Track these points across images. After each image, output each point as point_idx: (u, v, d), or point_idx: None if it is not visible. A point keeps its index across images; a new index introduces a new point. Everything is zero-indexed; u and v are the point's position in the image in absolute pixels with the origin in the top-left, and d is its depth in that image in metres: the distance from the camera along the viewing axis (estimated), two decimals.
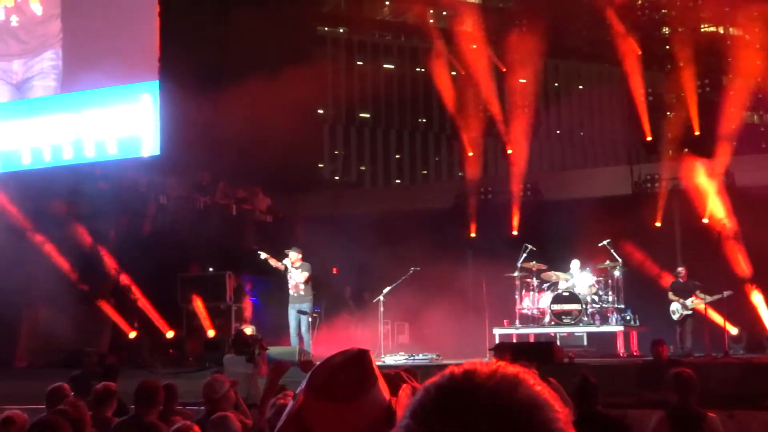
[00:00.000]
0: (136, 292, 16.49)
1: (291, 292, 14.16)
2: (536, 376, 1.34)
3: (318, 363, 2.09)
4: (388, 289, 14.82)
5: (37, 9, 15.86)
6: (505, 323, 15.50)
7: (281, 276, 14.55)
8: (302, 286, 14.07)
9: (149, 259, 16.47)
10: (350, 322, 17.22)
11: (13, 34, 16.04)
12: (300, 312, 14.04)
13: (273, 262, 14.27)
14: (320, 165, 43.45)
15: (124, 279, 16.71)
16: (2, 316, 16.04)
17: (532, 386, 1.26)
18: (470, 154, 20.45)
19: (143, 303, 16.34)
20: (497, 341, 14.69)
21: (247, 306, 16.73)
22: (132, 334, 16.06)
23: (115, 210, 16.85)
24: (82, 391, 8.15)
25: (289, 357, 13.06)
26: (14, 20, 15.92)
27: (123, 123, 15.30)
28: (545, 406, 1.24)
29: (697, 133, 19.41)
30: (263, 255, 14.30)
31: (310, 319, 14.21)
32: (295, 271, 14.05)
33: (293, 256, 14.09)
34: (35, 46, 15.93)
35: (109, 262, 16.93)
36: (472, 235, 18.52)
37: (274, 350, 12.64)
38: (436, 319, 16.40)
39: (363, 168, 55.70)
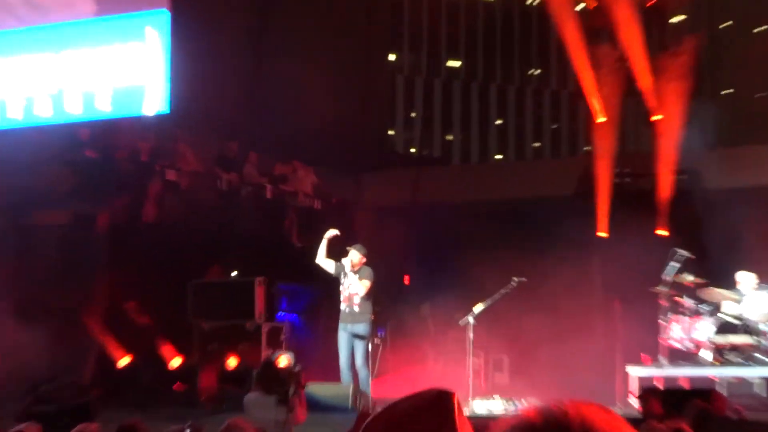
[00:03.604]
0: (134, 305, 16.64)
1: (342, 306, 14.12)
2: None
3: (377, 411, 2.05)
4: (481, 307, 14.68)
5: None
6: (646, 360, 15.26)
7: (334, 285, 14.49)
8: (358, 300, 14.00)
9: (151, 256, 16.56)
10: (427, 352, 17.13)
11: None
12: (355, 336, 13.98)
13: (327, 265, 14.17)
14: (390, 132, 43.53)
15: (119, 285, 16.83)
16: None
17: None
18: (602, 119, 20.14)
19: (141, 319, 16.46)
20: (633, 384, 14.57)
21: (283, 326, 16.75)
22: (123, 361, 16.18)
23: (107, 188, 16.98)
24: None
25: (340, 400, 13.00)
26: None
27: (119, 68, 15.36)
28: None
29: None
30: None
31: (369, 347, 14.15)
32: (353, 276, 13.99)
33: (355, 257, 14.08)
34: None
35: (98, 262, 17.08)
36: (602, 234, 18.34)
37: (317, 389, 12.57)
38: (546, 351, 16.36)
39: (450, 138, 55.65)
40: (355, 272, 14.05)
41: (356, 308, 14.02)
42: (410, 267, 18.54)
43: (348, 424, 9.41)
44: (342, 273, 14.13)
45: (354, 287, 14.03)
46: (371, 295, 14.15)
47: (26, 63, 15.92)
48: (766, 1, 50.13)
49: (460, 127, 56.04)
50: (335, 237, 14.24)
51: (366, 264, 14.13)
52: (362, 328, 14.03)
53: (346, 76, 18.69)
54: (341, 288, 14.16)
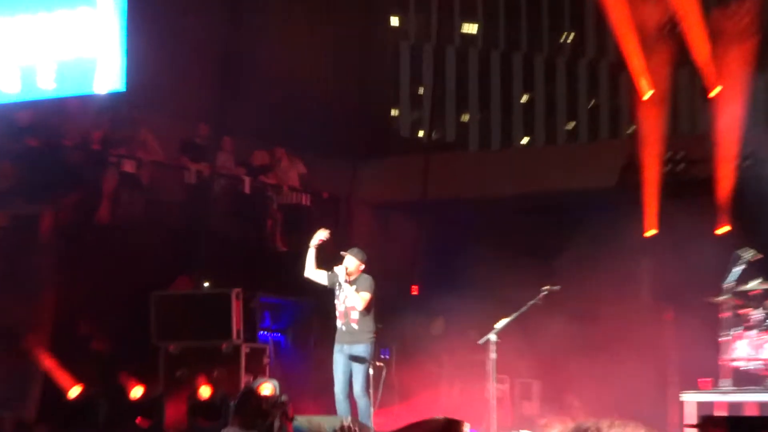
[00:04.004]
0: (86, 323, 16.61)
1: (338, 323, 14.06)
2: None
3: None
4: (505, 321, 14.55)
5: None
6: (705, 384, 15.18)
7: (327, 298, 14.45)
8: (356, 315, 13.93)
9: (107, 264, 16.53)
10: (440, 376, 17.11)
11: None
12: (353, 359, 13.91)
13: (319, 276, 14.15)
14: (393, 112, 43.56)
15: (68, 299, 16.81)
16: None
17: None
18: (648, 94, 20.11)
19: (95, 340, 16.41)
20: (689, 412, 14.47)
21: (266, 347, 16.74)
22: (74, 391, 16.14)
23: (53, 183, 16.94)
24: None
25: None
26: None
27: (65, 38, 15.34)
28: None
29: None
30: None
31: (371, 371, 14.06)
32: (350, 288, 13.92)
33: (351, 264, 14.01)
34: None
35: (43, 272, 17.03)
36: (651, 232, 18.29)
37: (307, 423, 12.47)
38: (584, 374, 16.46)
39: (465, 118, 55.63)
40: (352, 282, 13.92)
41: (354, 325, 13.92)
42: (419, 275, 18.48)
43: None
44: (336, 284, 14.04)
45: (351, 300, 13.91)
46: (372, 310, 14.04)
47: None
48: None
49: (478, 105, 56.06)
50: (326, 240, 14.11)
51: (365, 272, 14.03)
52: (362, 348, 13.91)
53: (340, 44, 18.66)
54: (336, 302, 14.05)
